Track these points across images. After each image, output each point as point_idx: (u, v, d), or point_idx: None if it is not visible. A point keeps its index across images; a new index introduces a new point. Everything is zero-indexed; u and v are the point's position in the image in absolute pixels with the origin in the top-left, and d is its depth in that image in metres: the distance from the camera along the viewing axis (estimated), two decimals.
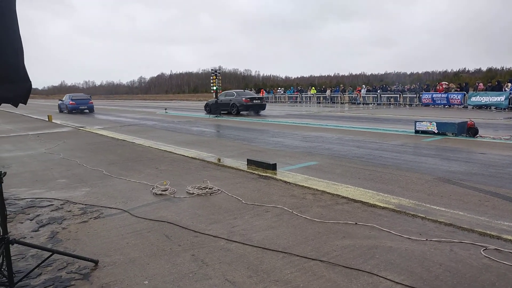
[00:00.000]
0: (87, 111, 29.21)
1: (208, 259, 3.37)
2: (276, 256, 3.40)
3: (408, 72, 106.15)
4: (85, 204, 5.09)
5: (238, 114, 22.66)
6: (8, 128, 17.47)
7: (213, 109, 23.59)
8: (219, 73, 20.18)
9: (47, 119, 21.46)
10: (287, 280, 2.96)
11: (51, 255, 3.20)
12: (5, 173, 2.93)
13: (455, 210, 4.50)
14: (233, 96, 23.19)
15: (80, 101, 29.70)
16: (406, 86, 33.16)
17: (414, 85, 33.32)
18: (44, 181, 6.57)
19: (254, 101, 23.00)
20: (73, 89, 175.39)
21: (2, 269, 2.93)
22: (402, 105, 29.66)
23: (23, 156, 9.32)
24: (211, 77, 20.14)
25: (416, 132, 11.60)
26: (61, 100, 31.26)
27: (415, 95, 29.20)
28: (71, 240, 3.91)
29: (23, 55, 2.87)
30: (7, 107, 43.72)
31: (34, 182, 6.49)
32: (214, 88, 20.07)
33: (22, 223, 4.49)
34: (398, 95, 30.58)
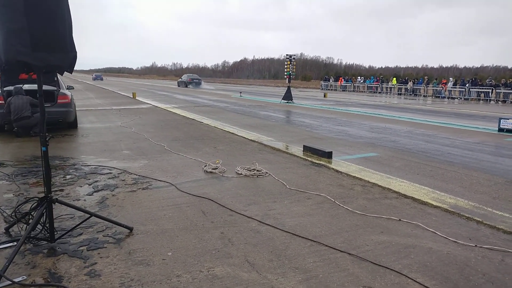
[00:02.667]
0: (101, 80, 65.92)
1: (235, 239, 3.38)
2: (304, 243, 3.30)
3: (510, 66, 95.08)
4: (139, 175, 5.40)
5: (186, 87, 42.10)
6: (97, 102, 19.17)
7: (180, 84, 44.80)
8: (294, 59, 19.99)
9: (131, 96, 23.13)
10: (307, 269, 2.86)
11: (89, 217, 3.45)
12: (50, 137, 3.18)
13: None
14: (185, 77, 44.64)
15: (98, 75, 73.09)
16: (501, 80, 29.72)
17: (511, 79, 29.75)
18: (111, 151, 7.09)
19: (194, 80, 42.97)
20: (162, 70, 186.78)
21: (46, 226, 3.22)
22: (494, 101, 26.83)
23: (101, 128, 10.15)
24: (286, 63, 20.07)
25: (500, 130, 10.42)
26: (92, 76, 69.93)
27: None
28: (116, 206, 4.17)
29: (71, 26, 3.06)
30: (102, 84, 48.00)
31: (103, 152, 7.04)
32: (287, 73, 20.00)
33: (81, 186, 4.90)
34: (490, 90, 27.57)
